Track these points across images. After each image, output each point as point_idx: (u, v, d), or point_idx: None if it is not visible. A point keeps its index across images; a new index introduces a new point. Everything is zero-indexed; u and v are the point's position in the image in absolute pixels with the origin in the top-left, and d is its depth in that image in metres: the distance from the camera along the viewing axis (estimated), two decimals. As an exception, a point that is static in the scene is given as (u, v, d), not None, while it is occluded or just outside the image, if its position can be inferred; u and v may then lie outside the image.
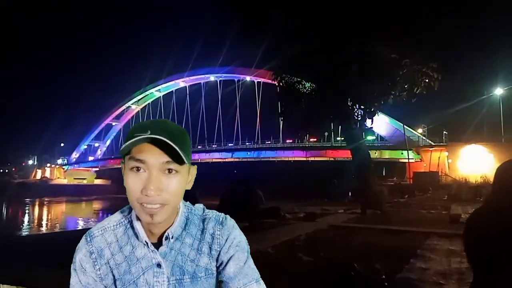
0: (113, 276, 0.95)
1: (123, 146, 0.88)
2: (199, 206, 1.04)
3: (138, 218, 0.95)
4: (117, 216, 1.01)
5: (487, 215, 1.70)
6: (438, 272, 5.10)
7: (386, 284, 4.36)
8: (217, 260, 0.97)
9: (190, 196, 1.00)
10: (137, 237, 0.96)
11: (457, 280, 4.68)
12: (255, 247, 5.81)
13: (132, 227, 0.97)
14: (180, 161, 0.89)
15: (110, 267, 0.95)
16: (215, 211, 1.04)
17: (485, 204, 1.94)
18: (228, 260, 0.95)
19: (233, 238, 0.98)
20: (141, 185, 0.88)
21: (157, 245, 0.95)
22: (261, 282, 0.97)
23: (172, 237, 0.95)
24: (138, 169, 0.89)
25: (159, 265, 0.94)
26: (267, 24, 13.12)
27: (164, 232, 0.95)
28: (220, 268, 0.96)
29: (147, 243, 0.95)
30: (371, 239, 7.64)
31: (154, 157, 0.88)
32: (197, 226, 1.00)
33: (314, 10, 12.57)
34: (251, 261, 0.98)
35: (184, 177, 0.93)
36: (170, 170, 0.90)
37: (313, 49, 12.69)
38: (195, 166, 0.99)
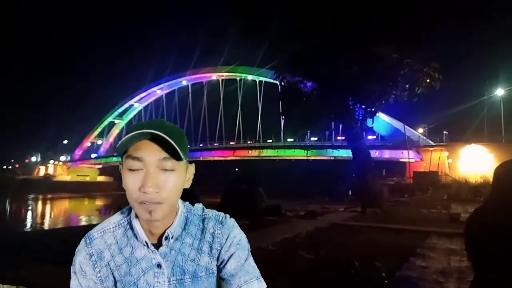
0: (114, 278, 0.94)
1: (120, 143, 0.89)
2: (198, 206, 1.04)
3: (137, 219, 0.95)
4: (116, 218, 1.00)
5: (487, 214, 1.71)
6: (438, 271, 5.12)
7: (386, 282, 4.39)
8: (217, 259, 0.97)
9: (191, 194, 1.00)
10: (136, 238, 0.95)
11: (457, 278, 4.70)
12: (256, 244, 5.80)
13: (132, 228, 0.96)
14: (177, 157, 0.89)
15: (110, 269, 0.95)
16: (214, 210, 1.04)
17: (485, 203, 1.95)
18: (229, 258, 0.96)
19: (234, 237, 0.98)
20: (139, 183, 0.88)
21: (157, 245, 0.95)
22: (262, 279, 0.97)
23: (172, 237, 0.95)
24: (135, 167, 0.89)
25: (159, 266, 0.94)
26: (269, 24, 13.13)
27: (164, 232, 0.95)
28: (221, 266, 0.96)
29: (147, 244, 0.94)
30: (371, 238, 7.68)
31: (151, 154, 0.88)
32: (196, 226, 0.99)
33: (315, 10, 12.58)
34: (251, 259, 0.98)
35: (182, 175, 0.93)
36: (167, 167, 0.90)
37: (315, 49, 12.70)
38: (193, 165, 0.99)
